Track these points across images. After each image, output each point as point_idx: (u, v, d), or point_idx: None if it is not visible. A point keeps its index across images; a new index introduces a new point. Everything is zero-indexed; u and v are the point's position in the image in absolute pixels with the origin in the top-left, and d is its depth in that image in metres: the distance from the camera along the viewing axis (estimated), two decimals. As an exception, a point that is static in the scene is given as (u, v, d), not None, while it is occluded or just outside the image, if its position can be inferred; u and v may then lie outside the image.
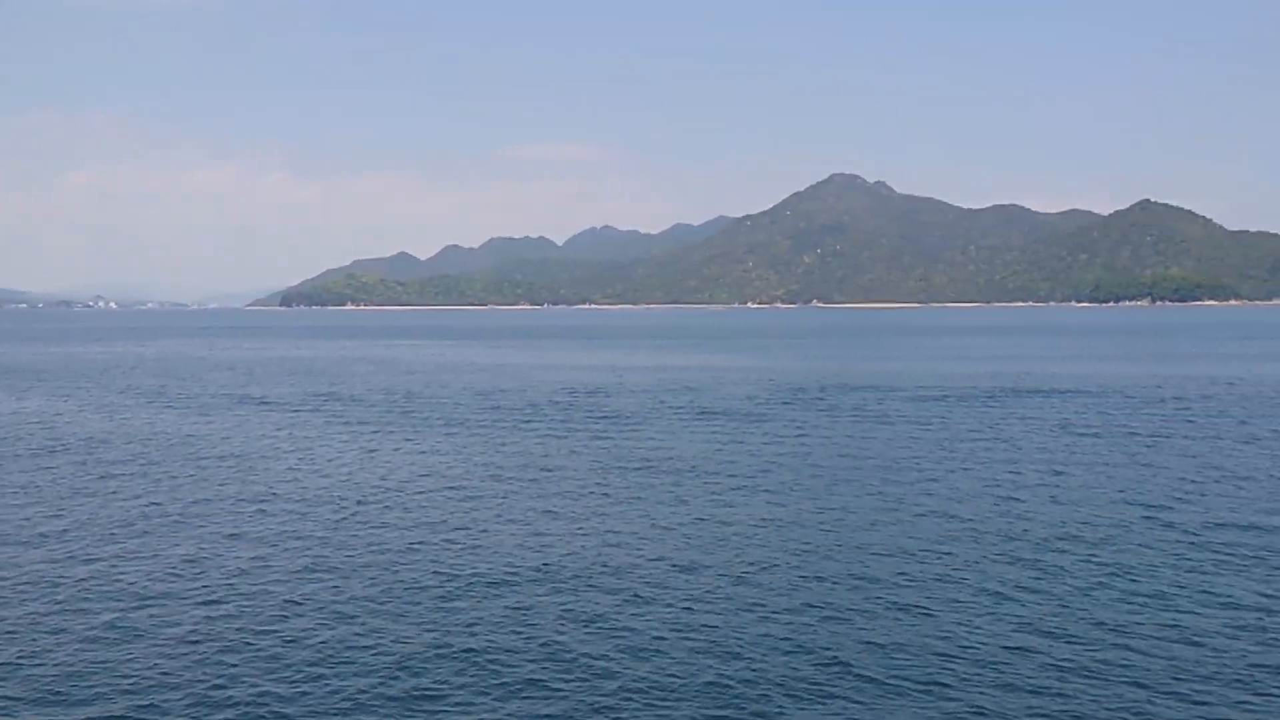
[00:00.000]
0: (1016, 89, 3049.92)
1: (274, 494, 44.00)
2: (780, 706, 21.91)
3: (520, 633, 26.17)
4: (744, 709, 21.80)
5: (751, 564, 32.21)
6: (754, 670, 23.74)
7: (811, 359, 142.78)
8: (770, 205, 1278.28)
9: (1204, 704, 21.65)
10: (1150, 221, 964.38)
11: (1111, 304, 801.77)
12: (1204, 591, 28.99)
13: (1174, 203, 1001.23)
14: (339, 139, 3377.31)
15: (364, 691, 22.60)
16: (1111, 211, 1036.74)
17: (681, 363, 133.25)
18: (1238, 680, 22.82)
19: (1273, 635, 25.48)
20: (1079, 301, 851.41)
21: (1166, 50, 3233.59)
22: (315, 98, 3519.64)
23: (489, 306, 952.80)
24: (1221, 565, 31.64)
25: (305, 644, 25.36)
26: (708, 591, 29.36)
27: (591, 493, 43.74)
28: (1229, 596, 28.55)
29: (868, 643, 25.32)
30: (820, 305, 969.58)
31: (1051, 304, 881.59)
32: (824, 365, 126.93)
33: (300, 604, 28.43)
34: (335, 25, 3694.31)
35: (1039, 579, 30.43)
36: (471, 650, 24.95)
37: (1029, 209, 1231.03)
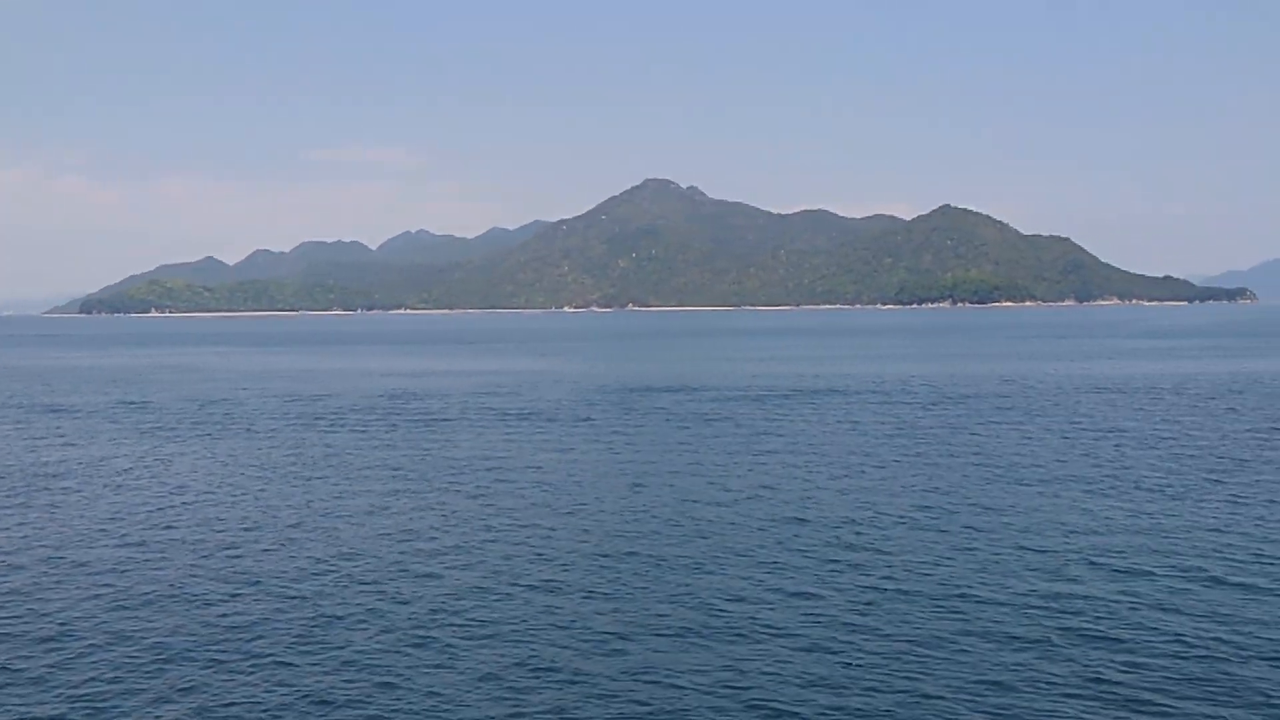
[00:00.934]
0: (823, 97, 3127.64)
1: (55, 505, 42.95)
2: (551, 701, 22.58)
3: (313, 640, 26.37)
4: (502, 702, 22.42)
5: (545, 561, 32.88)
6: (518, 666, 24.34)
7: (622, 362, 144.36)
8: (586, 210, 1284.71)
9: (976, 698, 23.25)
10: (950, 226, 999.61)
11: (915, 305, 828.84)
12: (965, 583, 30.82)
13: (973, 208, 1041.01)
14: (138, 141, 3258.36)
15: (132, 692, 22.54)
16: (914, 216, 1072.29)
17: (494, 367, 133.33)
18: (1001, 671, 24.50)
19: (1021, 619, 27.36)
20: (884, 304, 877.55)
21: (963, 58, 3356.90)
22: (111, 99, 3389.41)
23: (300, 312, 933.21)
24: (991, 556, 33.60)
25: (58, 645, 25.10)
26: (496, 584, 29.91)
27: (387, 497, 43.86)
28: (1001, 588, 30.37)
29: (658, 634, 26.24)
30: (635, 309, 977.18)
31: (858, 306, 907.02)
32: (635, 368, 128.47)
33: (64, 600, 28.03)
34: (132, 24, 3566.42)
35: (818, 571, 31.78)
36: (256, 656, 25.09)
37: (836, 214, 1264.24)
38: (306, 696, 22.55)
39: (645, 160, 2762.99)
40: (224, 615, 27.96)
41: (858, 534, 35.98)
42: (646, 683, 23.11)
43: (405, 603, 28.84)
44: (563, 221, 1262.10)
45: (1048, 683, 22.76)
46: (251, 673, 23.89)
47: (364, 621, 27.28)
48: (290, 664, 24.41)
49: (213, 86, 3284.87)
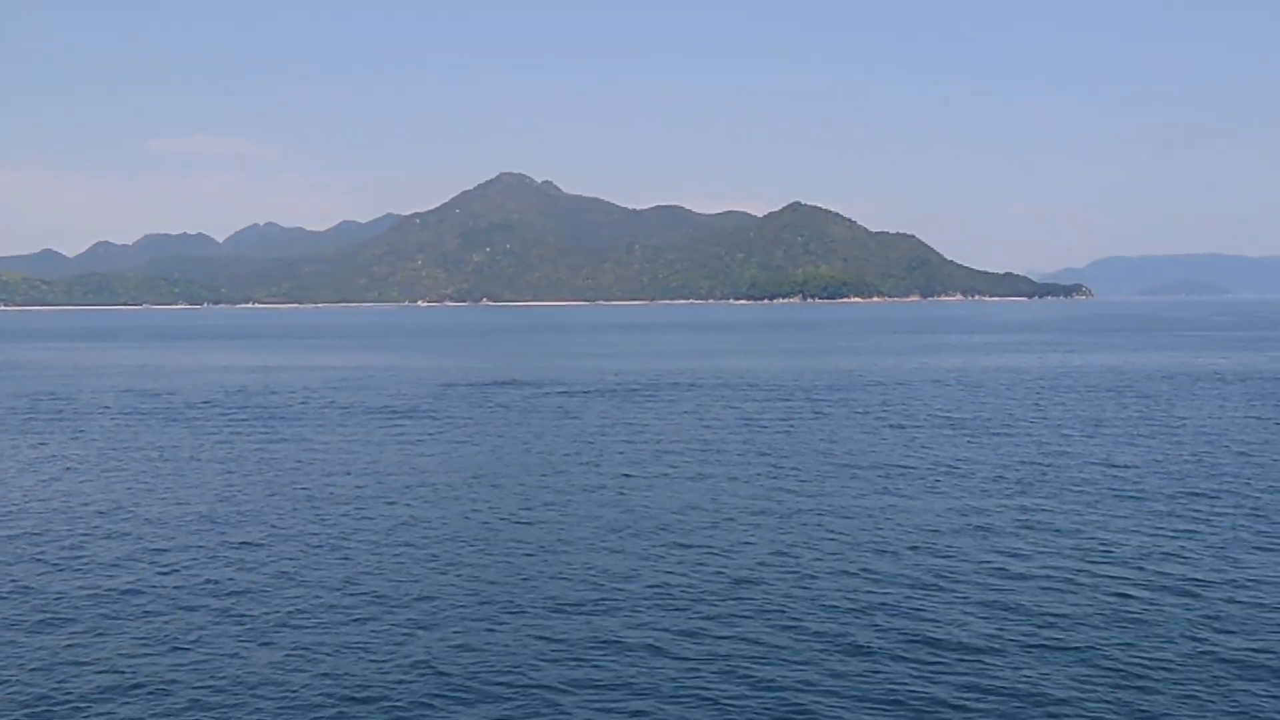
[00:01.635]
0: (677, 93, 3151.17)
1: None
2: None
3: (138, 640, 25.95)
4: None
5: (351, 556, 32.78)
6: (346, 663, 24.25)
7: (473, 357, 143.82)
8: (439, 203, 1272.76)
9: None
10: (801, 223, 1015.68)
11: (767, 301, 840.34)
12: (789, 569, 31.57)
13: (822, 205, 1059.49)
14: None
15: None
16: (766, 213, 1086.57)
17: (342, 362, 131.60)
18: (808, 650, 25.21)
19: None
20: (737, 299, 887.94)
21: (813, 58, 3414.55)
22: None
23: (144, 306, 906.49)
24: (822, 546, 34.39)
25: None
26: (327, 574, 29.76)
27: (211, 494, 43.18)
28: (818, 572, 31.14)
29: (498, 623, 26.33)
30: (490, 304, 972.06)
31: (712, 301, 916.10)
32: (485, 363, 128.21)
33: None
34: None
35: (639, 560, 32.19)
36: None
37: (690, 210, 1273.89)
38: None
39: (500, 154, 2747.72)
40: None
41: (685, 526, 36.54)
42: (430, 678, 23.19)
43: (189, 609, 28.33)
44: (416, 215, 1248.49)
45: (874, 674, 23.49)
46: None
47: (132, 613, 26.96)
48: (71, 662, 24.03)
49: (50, 75, 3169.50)
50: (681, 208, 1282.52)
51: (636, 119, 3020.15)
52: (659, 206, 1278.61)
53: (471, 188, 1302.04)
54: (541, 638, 25.45)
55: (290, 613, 27.55)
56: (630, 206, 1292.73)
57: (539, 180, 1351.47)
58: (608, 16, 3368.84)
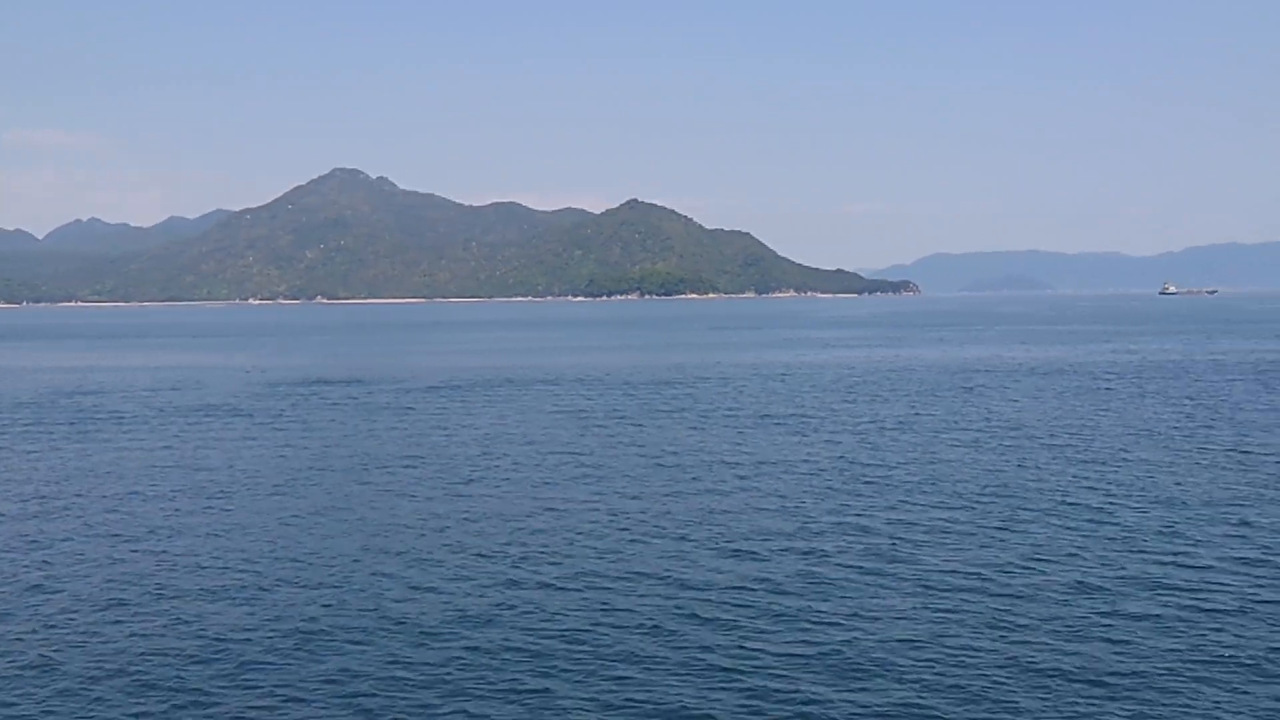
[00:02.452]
0: (512, 88, 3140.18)
1: None
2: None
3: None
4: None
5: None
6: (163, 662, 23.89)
7: (307, 355, 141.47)
8: (271, 199, 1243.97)
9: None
10: (638, 220, 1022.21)
11: (605, 298, 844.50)
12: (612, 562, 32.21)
13: (659, 202, 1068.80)
14: None
15: None
16: (603, 210, 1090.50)
17: (167, 361, 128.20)
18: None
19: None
20: (575, 296, 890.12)
21: (649, 57, 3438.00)
22: None
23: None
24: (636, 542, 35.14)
25: None
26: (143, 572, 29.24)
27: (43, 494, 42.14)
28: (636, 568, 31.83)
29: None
30: (325, 301, 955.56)
31: (549, 298, 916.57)
32: (319, 361, 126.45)
33: None
34: None
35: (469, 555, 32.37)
36: None
37: (527, 206, 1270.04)
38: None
39: (333, 149, 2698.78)
40: None
41: (499, 521, 36.89)
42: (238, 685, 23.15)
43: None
44: (247, 211, 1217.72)
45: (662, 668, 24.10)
46: None
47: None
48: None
49: None
50: (518, 204, 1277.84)
51: (472, 114, 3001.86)
52: (496, 203, 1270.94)
53: (304, 183, 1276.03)
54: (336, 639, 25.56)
55: (89, 607, 27.13)
56: (467, 203, 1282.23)
57: (373, 176, 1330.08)
58: (439, 10, 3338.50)
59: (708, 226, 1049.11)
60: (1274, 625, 25.17)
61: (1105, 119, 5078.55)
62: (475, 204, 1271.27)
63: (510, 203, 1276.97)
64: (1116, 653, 23.63)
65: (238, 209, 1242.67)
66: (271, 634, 25.70)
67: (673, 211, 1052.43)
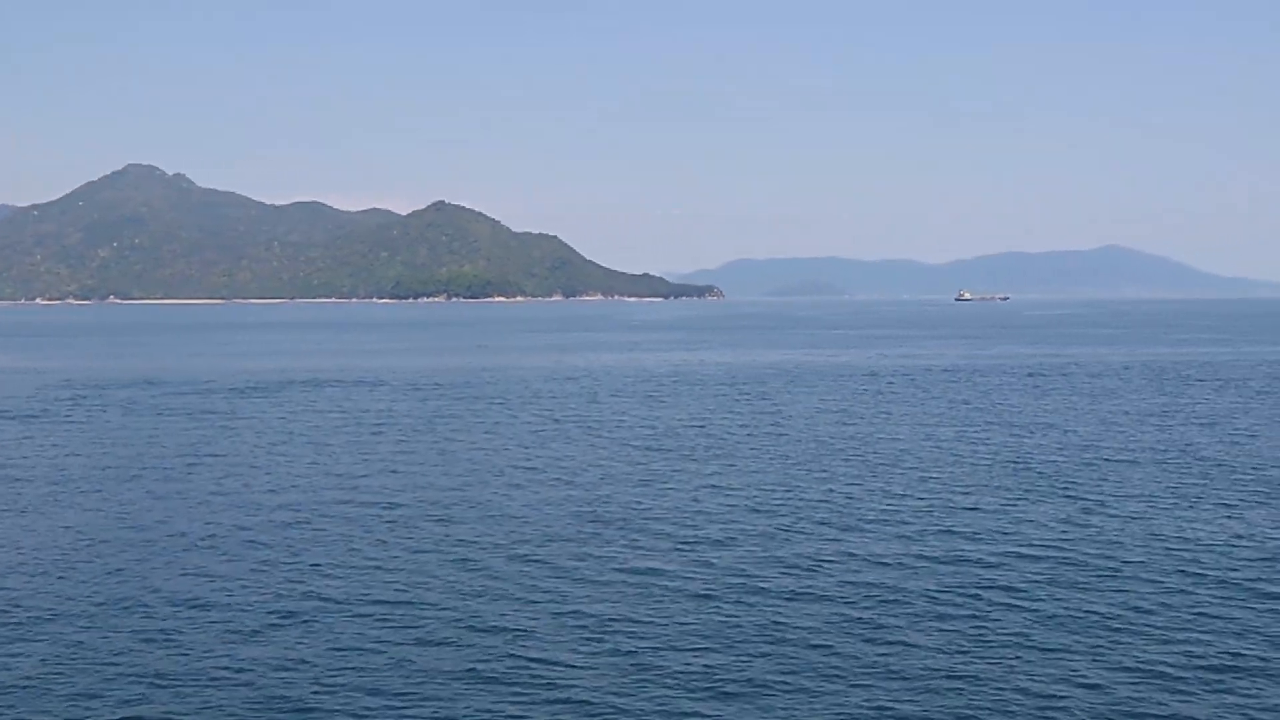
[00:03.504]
0: (313, 86, 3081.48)
1: None
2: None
3: None
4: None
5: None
6: None
7: (96, 356, 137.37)
8: (61, 195, 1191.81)
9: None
10: (445, 222, 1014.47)
11: (411, 300, 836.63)
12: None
13: (466, 204, 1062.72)
14: None
15: None
16: (410, 211, 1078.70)
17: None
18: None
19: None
20: (381, 298, 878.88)
21: (451, 53, 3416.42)
22: None
23: None
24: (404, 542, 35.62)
25: None
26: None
27: None
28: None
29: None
30: (118, 301, 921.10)
31: (355, 300, 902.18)
32: (110, 362, 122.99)
33: None
34: None
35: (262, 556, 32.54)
36: None
37: (332, 206, 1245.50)
38: None
39: (127, 144, 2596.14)
40: None
41: (286, 522, 37.07)
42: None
43: None
44: (35, 207, 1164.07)
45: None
46: None
47: None
48: None
49: None
50: (323, 204, 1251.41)
51: (274, 111, 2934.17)
52: (299, 202, 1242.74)
53: (97, 179, 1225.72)
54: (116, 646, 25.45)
55: None
56: (269, 202, 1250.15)
57: (170, 173, 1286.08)
58: (236, 2, 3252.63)
59: (516, 229, 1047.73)
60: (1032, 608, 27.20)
61: (903, 132, 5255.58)
62: (278, 203, 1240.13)
63: (314, 202, 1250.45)
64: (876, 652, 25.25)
65: (25, 205, 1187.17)
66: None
67: (480, 214, 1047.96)
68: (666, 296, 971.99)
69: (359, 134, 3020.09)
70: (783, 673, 23.09)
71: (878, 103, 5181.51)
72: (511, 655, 24.20)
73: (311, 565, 31.67)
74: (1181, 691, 21.85)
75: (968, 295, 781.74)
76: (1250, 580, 29.36)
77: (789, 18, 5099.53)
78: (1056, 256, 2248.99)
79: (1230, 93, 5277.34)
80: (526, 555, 32.56)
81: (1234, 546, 32.93)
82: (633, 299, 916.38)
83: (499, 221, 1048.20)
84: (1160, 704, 21.26)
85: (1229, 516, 36.98)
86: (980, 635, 25.19)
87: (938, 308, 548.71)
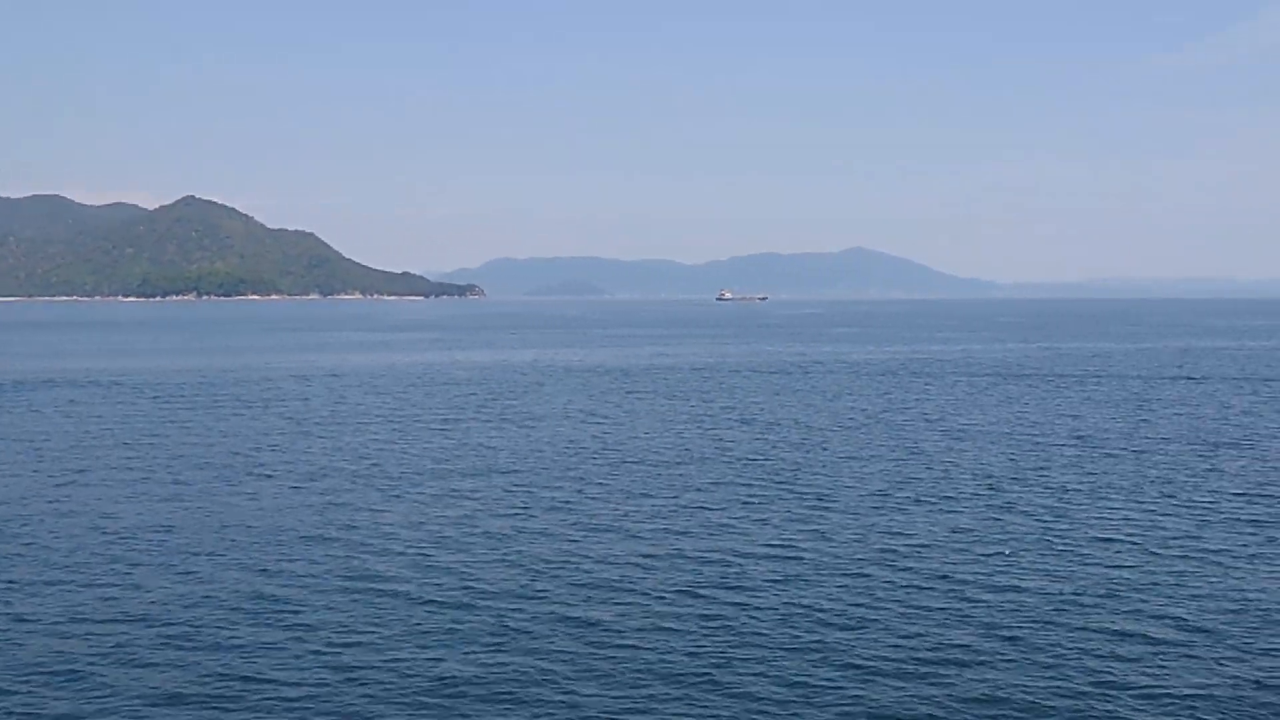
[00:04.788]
0: (50, 70, 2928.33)
1: None
2: None
3: None
4: None
5: None
6: None
7: None
8: None
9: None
10: (195, 217, 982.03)
11: (160, 298, 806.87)
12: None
13: (218, 200, 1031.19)
14: None
15: None
16: (157, 206, 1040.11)
17: None
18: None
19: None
20: (126, 296, 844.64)
21: (199, 44, 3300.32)
22: None
23: None
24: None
25: None
26: None
27: None
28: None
29: None
30: None
31: (98, 298, 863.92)
32: None
33: None
34: None
35: None
36: None
37: (72, 200, 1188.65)
38: None
39: None
40: None
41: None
42: None
43: None
44: None
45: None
46: None
47: None
48: None
49: None
50: (62, 197, 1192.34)
51: (6, 96, 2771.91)
52: (36, 195, 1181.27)
53: None
54: None
55: None
56: (4, 194, 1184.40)
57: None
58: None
59: (270, 226, 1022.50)
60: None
61: (661, 135, 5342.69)
62: (13, 195, 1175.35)
63: (53, 195, 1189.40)
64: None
65: None
66: None
67: (233, 209, 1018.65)
68: (427, 296, 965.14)
69: (101, 123, 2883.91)
70: (511, 674, 23.36)
71: (634, 106, 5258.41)
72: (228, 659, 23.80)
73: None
74: (879, 684, 23.08)
75: (729, 295, 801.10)
76: (952, 572, 31.04)
77: (550, 16, 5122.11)
78: (807, 258, 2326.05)
79: (964, 105, 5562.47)
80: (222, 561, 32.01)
81: (947, 541, 34.92)
82: (393, 298, 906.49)
83: (252, 218, 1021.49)
84: (864, 697, 22.45)
85: (948, 511, 39.14)
86: (708, 633, 25.95)
87: (701, 307, 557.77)
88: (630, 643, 25.23)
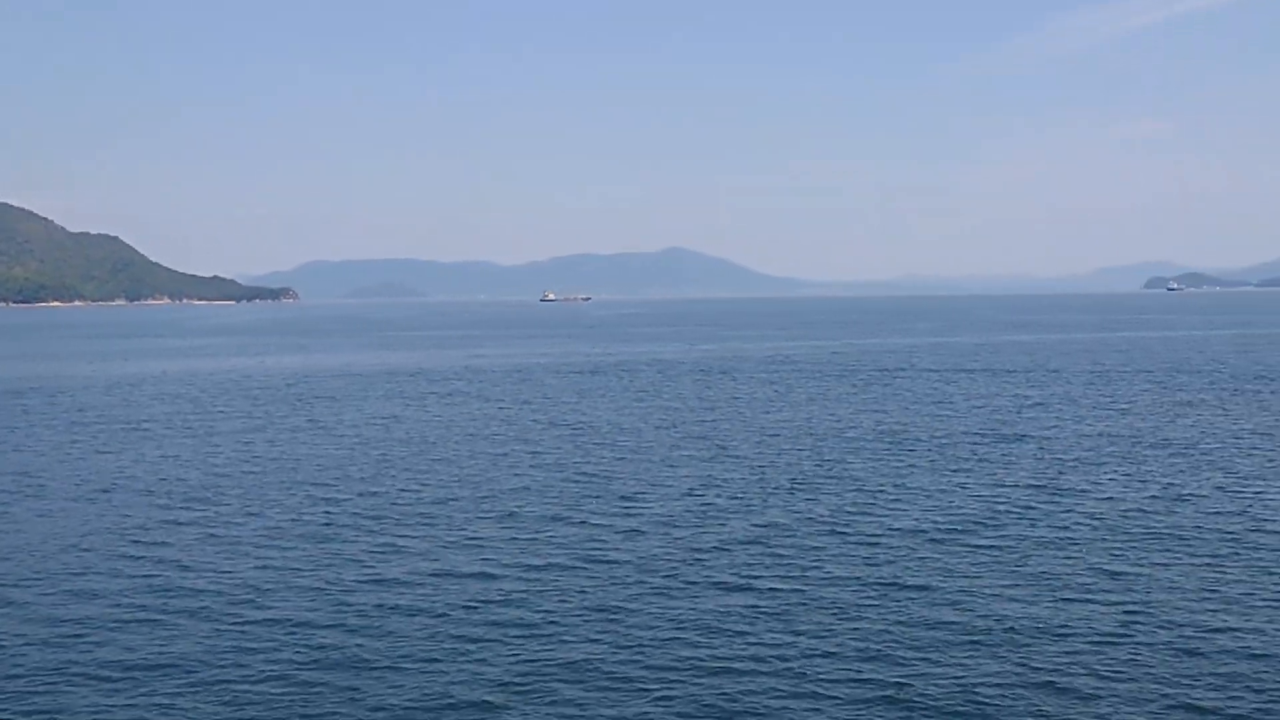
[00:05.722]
0: None
1: None
2: None
3: None
4: None
5: None
6: None
7: None
8: None
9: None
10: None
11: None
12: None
13: (13, 202, 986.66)
14: None
15: None
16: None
17: None
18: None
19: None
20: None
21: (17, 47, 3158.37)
22: None
23: None
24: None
25: None
26: None
27: None
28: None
29: None
30: None
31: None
32: None
33: None
34: None
35: None
36: None
37: None
38: None
39: None
40: None
41: None
42: None
43: None
44: None
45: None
46: None
47: None
48: None
49: None
50: None
51: None
52: None
53: None
54: None
55: None
56: None
57: None
58: None
59: (72, 229, 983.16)
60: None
61: (480, 136, 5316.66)
62: None
63: None
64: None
65: None
66: None
67: (30, 212, 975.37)
68: (239, 300, 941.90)
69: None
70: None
71: (449, 106, 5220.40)
72: None
73: None
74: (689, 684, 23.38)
75: (552, 296, 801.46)
76: (753, 570, 31.72)
77: (363, 14, 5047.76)
78: (625, 258, 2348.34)
79: (775, 107, 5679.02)
80: None
81: (752, 539, 35.55)
82: (203, 302, 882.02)
83: (52, 220, 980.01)
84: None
85: (755, 510, 40.04)
86: (511, 652, 26.06)
87: (525, 309, 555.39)
88: (412, 655, 25.23)
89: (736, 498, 41.95)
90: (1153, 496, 41.02)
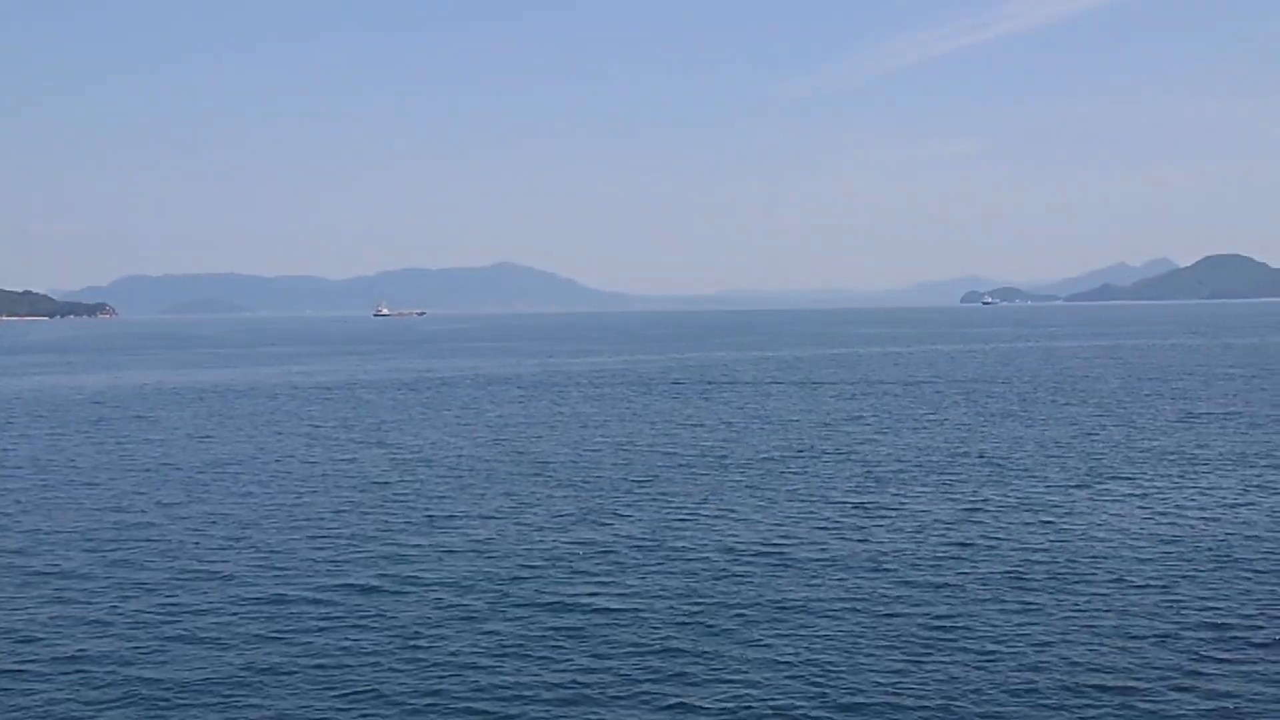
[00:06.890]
0: None
1: None
2: None
3: None
4: None
5: None
6: None
7: None
8: None
9: None
10: None
11: None
12: None
13: None
14: None
15: None
16: None
17: None
18: None
19: None
20: None
21: None
22: None
23: None
24: None
25: None
26: None
27: None
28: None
29: None
30: None
31: None
32: None
33: None
34: None
35: None
36: None
37: None
38: None
39: None
40: None
41: None
42: None
43: None
44: None
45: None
46: None
47: None
48: None
49: None
50: None
51: None
52: None
53: None
54: None
55: None
56: None
57: None
58: None
59: None
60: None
61: (303, 143, 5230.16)
62: None
63: None
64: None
65: None
66: None
67: None
68: (52, 315, 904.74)
69: None
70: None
71: (271, 116, 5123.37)
72: None
73: None
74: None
75: (385, 311, 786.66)
76: (543, 595, 31.87)
77: (184, 23, 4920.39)
78: (454, 273, 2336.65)
79: (591, 118, 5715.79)
80: None
81: (556, 560, 35.70)
82: (12, 319, 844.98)
83: None
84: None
85: (559, 530, 40.08)
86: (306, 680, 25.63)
87: (356, 324, 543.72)
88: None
89: (557, 516, 41.73)
90: (963, 509, 42.03)
